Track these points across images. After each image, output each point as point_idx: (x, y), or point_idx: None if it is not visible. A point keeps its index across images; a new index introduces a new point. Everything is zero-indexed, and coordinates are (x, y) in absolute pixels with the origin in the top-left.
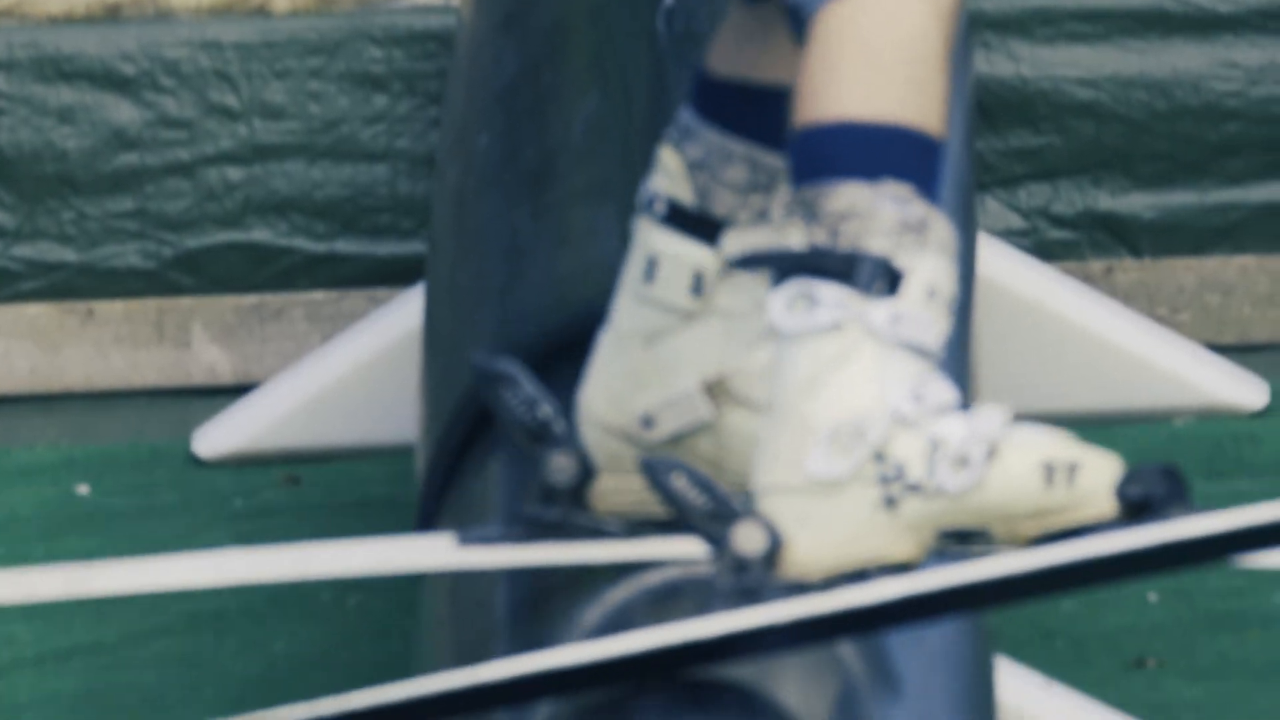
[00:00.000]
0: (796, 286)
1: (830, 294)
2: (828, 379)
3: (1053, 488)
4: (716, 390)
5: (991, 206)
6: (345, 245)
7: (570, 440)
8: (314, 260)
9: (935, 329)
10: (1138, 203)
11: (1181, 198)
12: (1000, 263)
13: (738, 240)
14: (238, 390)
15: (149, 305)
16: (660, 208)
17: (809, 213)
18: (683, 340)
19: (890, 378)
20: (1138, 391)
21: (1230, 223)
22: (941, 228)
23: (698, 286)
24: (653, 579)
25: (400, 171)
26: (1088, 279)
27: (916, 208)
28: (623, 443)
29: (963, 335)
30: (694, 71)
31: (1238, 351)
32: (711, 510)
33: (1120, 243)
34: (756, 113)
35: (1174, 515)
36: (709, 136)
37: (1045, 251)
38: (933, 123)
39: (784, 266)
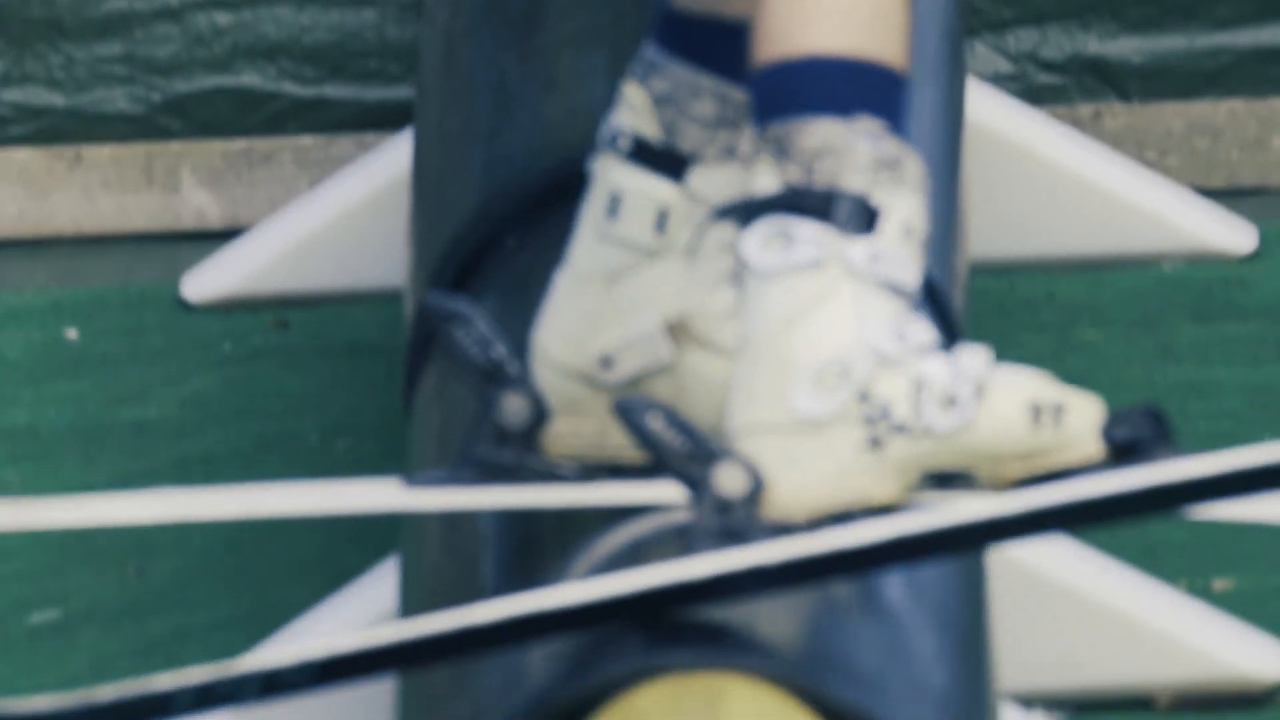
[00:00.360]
0: (772, 224)
1: (808, 232)
2: (808, 317)
3: (1040, 429)
4: (677, 331)
5: (980, 51)
6: (334, 90)
7: (524, 381)
8: (302, 105)
9: (912, 267)
10: (1126, 46)
11: (1170, 41)
12: (989, 108)
13: (705, 177)
14: (226, 235)
15: (137, 150)
16: (624, 143)
17: (780, 150)
18: (645, 279)
19: (871, 316)
20: (1126, 236)
21: (1219, 66)
22: (914, 164)
23: (662, 223)
24: (647, 523)
25: (389, 16)
26: (1076, 123)
27: (890, 144)
28: (580, 384)
29: (951, 182)
30: (657, 6)
31: (1226, 195)
32: (690, 452)
33: (1108, 87)
34: (726, 47)
35: (1160, 457)
36: (676, 71)
37: (1033, 96)
38: (899, 57)
39: (757, 206)
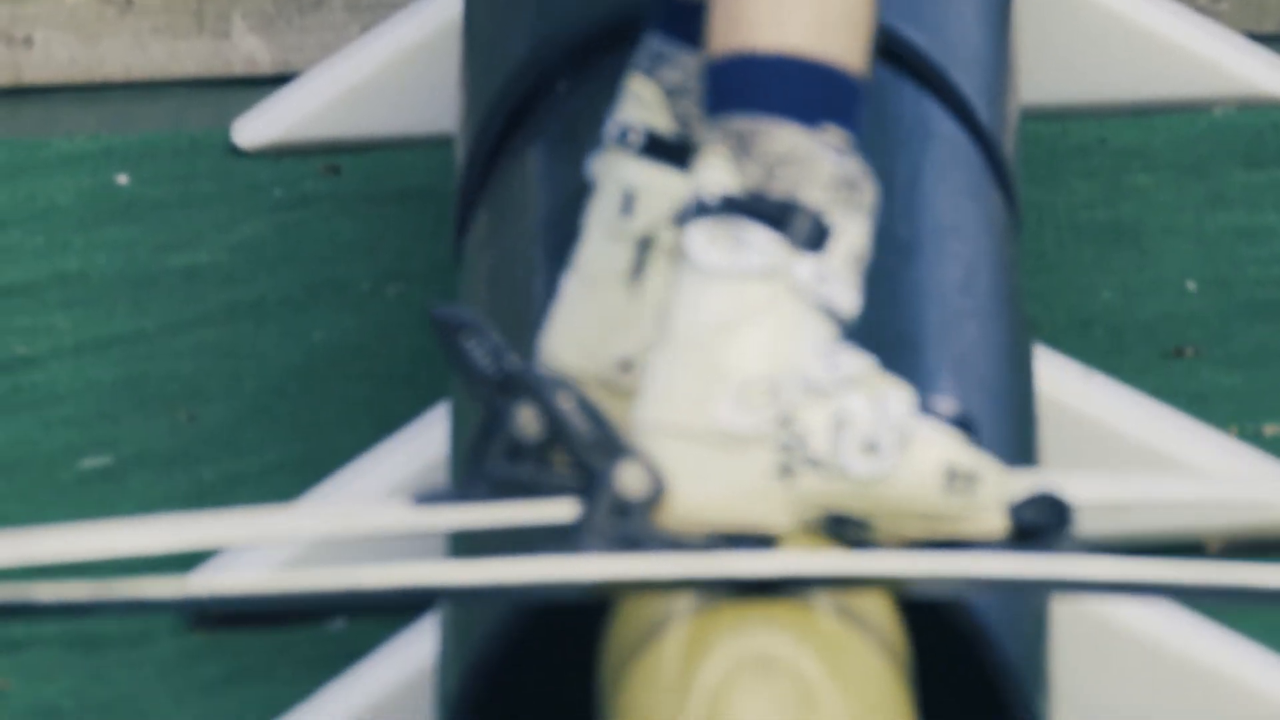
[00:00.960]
0: (723, 223)
1: (760, 239)
2: (745, 326)
3: (952, 493)
4: None
5: None
6: None
7: (539, 392)
8: None
9: (853, 294)
10: None
11: None
12: None
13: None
14: (277, 80)
15: None
16: (636, 139)
17: (741, 146)
18: (665, 278)
19: (806, 338)
20: (1178, 81)
21: None
22: (869, 188)
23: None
24: None
25: None
26: None
27: (852, 163)
28: (596, 392)
29: (1003, 27)
30: None
31: (1278, 40)
32: (596, 441)
33: None
34: None
35: (1058, 547)
36: (687, 60)
37: None
38: (864, 64)
39: (712, 201)
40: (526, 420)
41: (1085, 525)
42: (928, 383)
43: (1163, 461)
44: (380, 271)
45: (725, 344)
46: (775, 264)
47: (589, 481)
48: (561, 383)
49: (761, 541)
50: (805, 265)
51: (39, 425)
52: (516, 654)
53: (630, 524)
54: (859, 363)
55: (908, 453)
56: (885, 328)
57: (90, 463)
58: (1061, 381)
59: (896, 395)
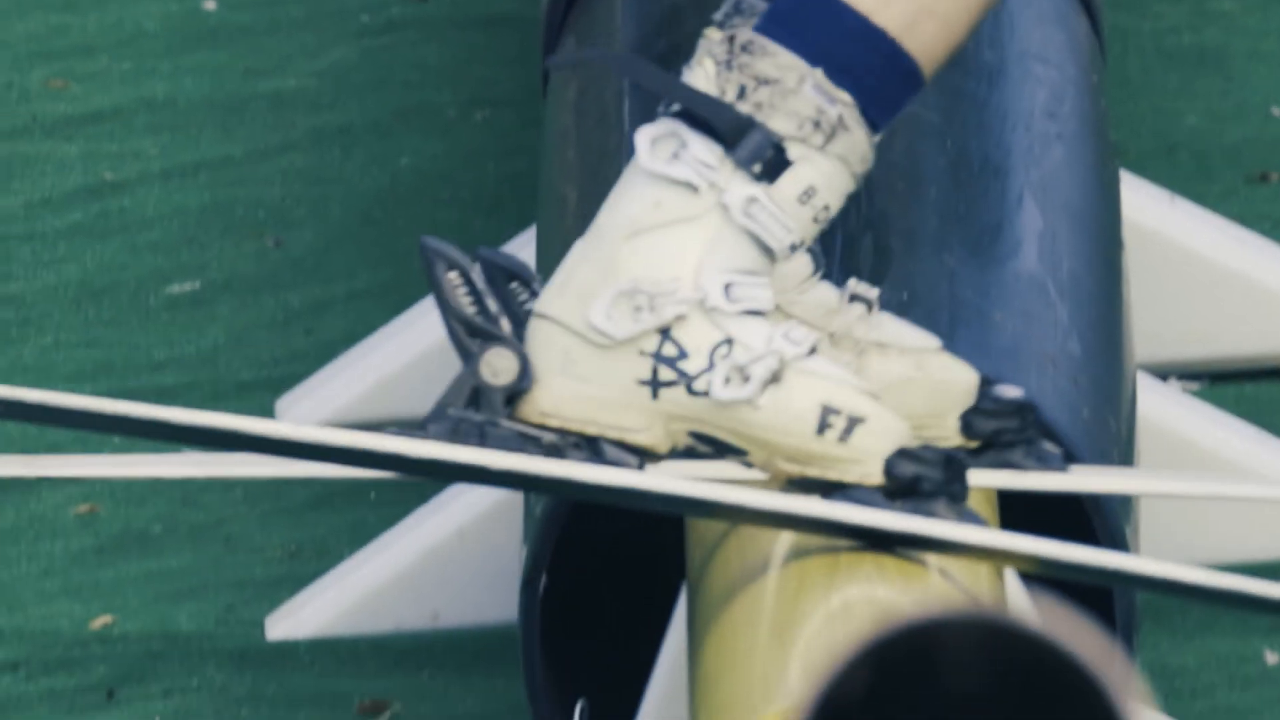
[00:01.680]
0: (670, 126)
1: (701, 151)
2: (656, 232)
3: (824, 435)
4: None
5: None
6: None
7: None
8: None
9: (791, 234)
10: None
11: None
12: None
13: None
14: None
15: None
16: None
17: (733, 58)
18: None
19: (717, 258)
20: None
21: None
22: (857, 141)
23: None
24: None
25: None
26: None
27: (842, 110)
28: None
29: None
30: None
31: None
32: (472, 320)
33: None
34: None
35: (937, 510)
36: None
37: None
38: (927, 64)
39: (676, 101)
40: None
41: (1169, 351)
42: (1014, 207)
43: (1249, 286)
44: (467, 97)
45: (629, 245)
46: (707, 179)
47: (462, 363)
48: (457, 259)
49: (627, 450)
50: (743, 188)
51: (127, 251)
52: None
53: (484, 410)
54: (766, 298)
55: (782, 386)
56: (972, 153)
57: (178, 288)
58: (1146, 206)
59: (795, 335)
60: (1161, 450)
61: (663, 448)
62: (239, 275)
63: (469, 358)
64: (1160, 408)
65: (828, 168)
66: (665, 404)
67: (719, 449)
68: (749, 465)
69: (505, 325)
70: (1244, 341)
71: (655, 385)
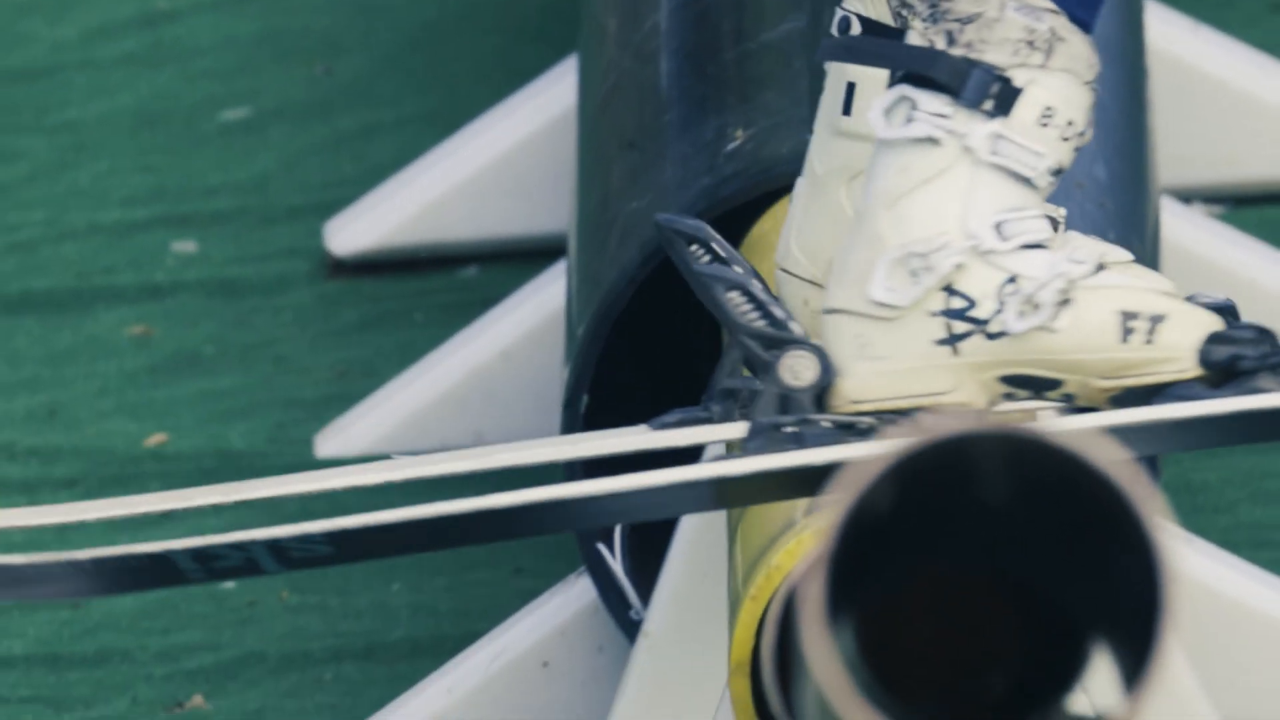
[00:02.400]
0: (899, 92)
1: (931, 104)
2: (912, 194)
3: (1129, 341)
4: None
5: None
6: None
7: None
8: None
9: (1043, 159)
10: None
11: None
12: None
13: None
14: None
15: None
16: (855, 28)
17: (933, 9)
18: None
19: (979, 203)
20: None
21: None
22: (1076, 48)
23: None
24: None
25: None
26: None
27: (1051, 22)
28: (821, 295)
29: None
30: None
31: None
32: (763, 332)
33: None
34: None
35: (1263, 384)
36: None
37: None
38: None
39: (895, 67)
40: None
41: (1193, 175)
42: None
43: (1267, 110)
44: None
45: (889, 214)
46: (944, 129)
47: (760, 375)
48: (730, 278)
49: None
50: (982, 128)
51: (181, 78)
52: (641, 298)
53: (791, 414)
54: (1039, 226)
55: (1076, 305)
56: None
57: (230, 115)
58: (1170, 34)
59: (1079, 255)
60: (1184, 272)
61: (980, 403)
62: (289, 102)
63: (767, 369)
64: (1184, 231)
65: (1056, 84)
66: (968, 356)
67: (1034, 387)
68: (1069, 399)
69: (797, 328)
70: (1266, 166)
71: (953, 340)
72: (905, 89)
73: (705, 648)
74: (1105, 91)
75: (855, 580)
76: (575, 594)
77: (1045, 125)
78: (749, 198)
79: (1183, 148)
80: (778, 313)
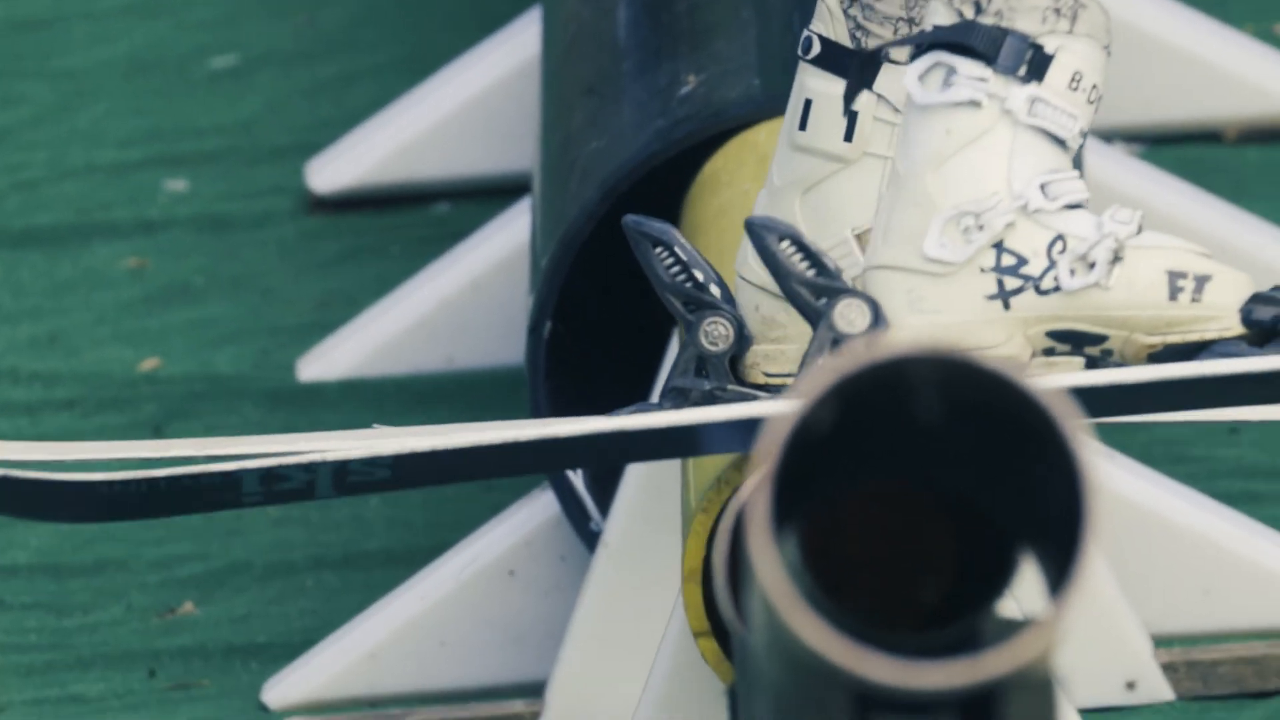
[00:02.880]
0: (935, 57)
1: (970, 69)
2: (958, 156)
3: (1177, 300)
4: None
5: None
6: None
7: (726, 306)
8: None
9: (1075, 121)
10: None
11: None
12: None
13: (893, 79)
14: None
15: None
16: (815, 48)
17: None
18: (836, 189)
19: (1022, 164)
20: None
21: None
22: (1096, 15)
23: (850, 131)
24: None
25: None
26: None
27: None
28: (777, 302)
29: None
30: None
31: None
32: (814, 281)
33: None
34: None
35: None
36: None
37: None
38: None
39: (924, 40)
40: (715, 333)
41: (1114, 117)
42: None
43: (1186, 57)
44: None
45: (936, 175)
46: (984, 93)
47: (811, 323)
48: (781, 228)
49: None
50: (1019, 92)
51: (173, 28)
52: (601, 233)
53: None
54: (1079, 187)
55: (1126, 263)
56: None
57: (219, 62)
58: None
59: (1121, 216)
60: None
61: (1025, 356)
62: (274, 50)
63: (819, 316)
64: (1106, 168)
65: (1082, 49)
66: (1019, 311)
67: (1076, 342)
68: (1109, 354)
69: (849, 280)
70: (1181, 109)
71: (1004, 296)
72: (941, 55)
73: (660, 557)
74: None
75: (799, 494)
76: (540, 507)
77: (1075, 89)
78: (701, 139)
79: (1105, 91)
80: (829, 263)
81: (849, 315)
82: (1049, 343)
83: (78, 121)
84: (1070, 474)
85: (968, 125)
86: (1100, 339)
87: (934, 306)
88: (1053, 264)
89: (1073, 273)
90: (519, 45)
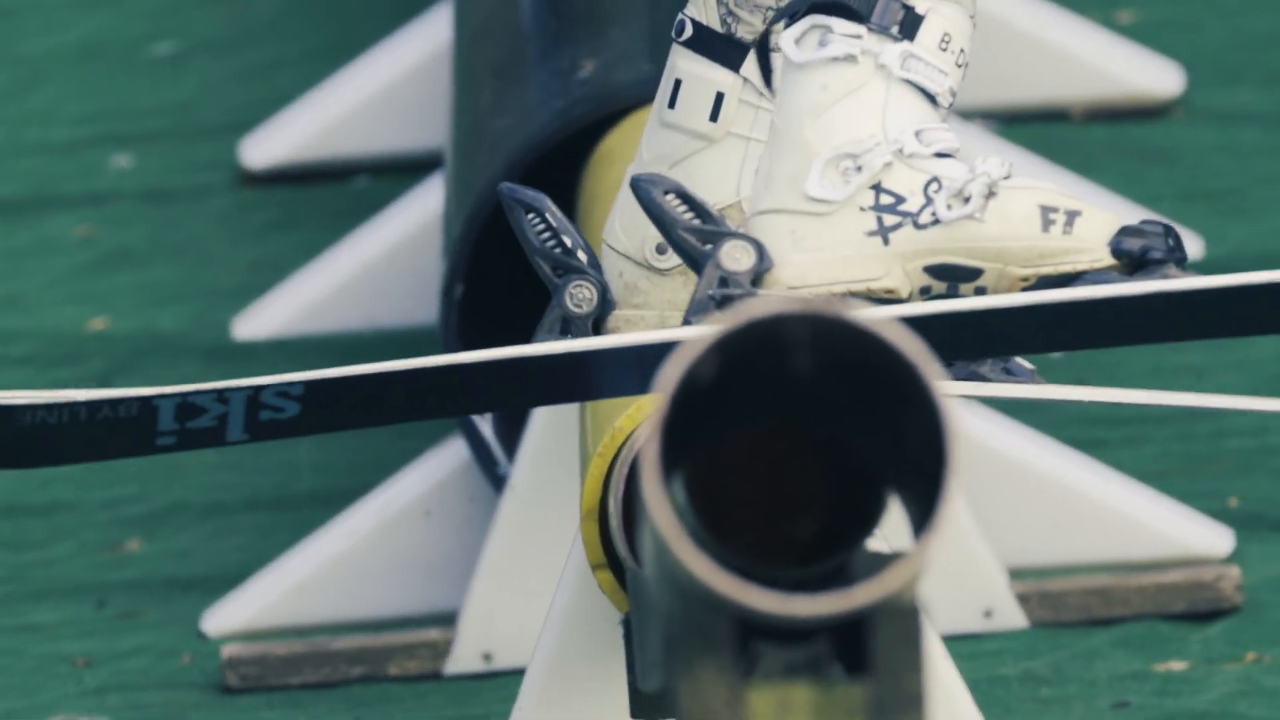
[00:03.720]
0: (811, 20)
1: (845, 28)
2: (835, 107)
3: (1049, 232)
4: (733, 217)
5: None
6: None
7: (591, 271)
8: None
9: (946, 78)
10: None
11: None
12: None
13: (757, 64)
14: None
15: None
16: (687, 30)
17: None
18: (700, 165)
19: (896, 114)
20: None
21: None
22: None
23: (716, 111)
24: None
25: None
26: None
27: None
28: (640, 272)
29: None
30: None
31: None
32: (699, 228)
33: None
34: None
35: (1171, 274)
36: None
37: None
38: None
39: (800, 7)
40: (579, 296)
41: (972, 99)
42: None
43: (1036, 43)
44: None
45: (815, 123)
46: (858, 49)
47: (696, 267)
48: (664, 181)
49: (876, 301)
50: (893, 48)
51: (118, 17)
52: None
53: (734, 294)
54: (950, 138)
55: (999, 198)
56: None
57: (161, 48)
58: None
59: (991, 161)
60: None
61: (904, 290)
62: (211, 37)
63: (704, 259)
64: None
65: (950, 12)
66: (898, 246)
67: (954, 278)
68: (983, 291)
69: (728, 224)
70: (1032, 90)
71: (884, 232)
72: (816, 18)
73: (560, 498)
74: None
75: (686, 439)
76: (452, 452)
77: (945, 50)
78: (596, 118)
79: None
80: (710, 210)
81: (735, 254)
82: (926, 279)
83: (33, 103)
84: (933, 421)
85: (844, 79)
86: (975, 273)
87: (816, 244)
88: (929, 201)
89: (949, 207)
90: (433, 34)
